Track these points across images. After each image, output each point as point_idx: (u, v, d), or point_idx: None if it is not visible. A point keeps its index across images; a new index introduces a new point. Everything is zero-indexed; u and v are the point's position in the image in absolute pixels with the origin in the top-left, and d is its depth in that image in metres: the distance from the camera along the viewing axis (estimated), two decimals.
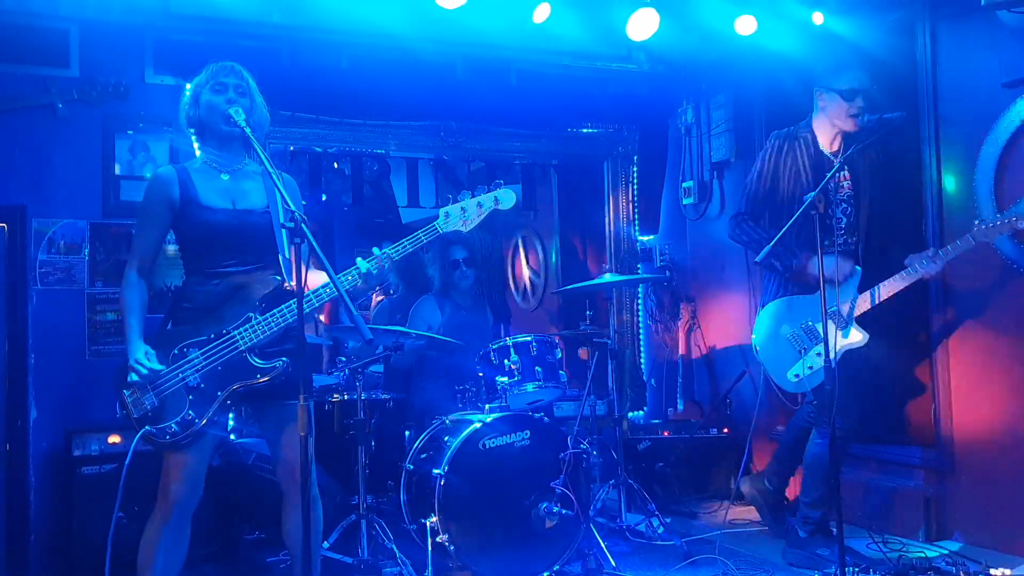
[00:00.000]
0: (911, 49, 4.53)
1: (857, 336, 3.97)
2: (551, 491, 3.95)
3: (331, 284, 2.74)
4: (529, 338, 4.37)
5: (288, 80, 4.87)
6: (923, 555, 4.04)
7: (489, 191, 3.12)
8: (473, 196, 3.11)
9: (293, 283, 2.63)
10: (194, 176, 3.00)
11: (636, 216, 6.24)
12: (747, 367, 5.62)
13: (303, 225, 2.54)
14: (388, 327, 4.46)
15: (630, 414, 5.95)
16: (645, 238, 6.27)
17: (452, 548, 3.74)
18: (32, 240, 4.52)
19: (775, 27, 4.97)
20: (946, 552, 4.10)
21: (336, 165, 6.24)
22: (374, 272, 2.93)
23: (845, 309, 3.95)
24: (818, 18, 4.78)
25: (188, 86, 3.08)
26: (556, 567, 3.96)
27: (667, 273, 6.25)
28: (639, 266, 6.23)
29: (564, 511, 3.91)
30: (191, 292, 2.97)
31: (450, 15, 4.71)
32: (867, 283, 4.00)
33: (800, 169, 4.12)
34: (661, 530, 4.52)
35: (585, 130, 6.08)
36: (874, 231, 4.20)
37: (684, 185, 6.19)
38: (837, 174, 3.99)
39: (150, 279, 3.01)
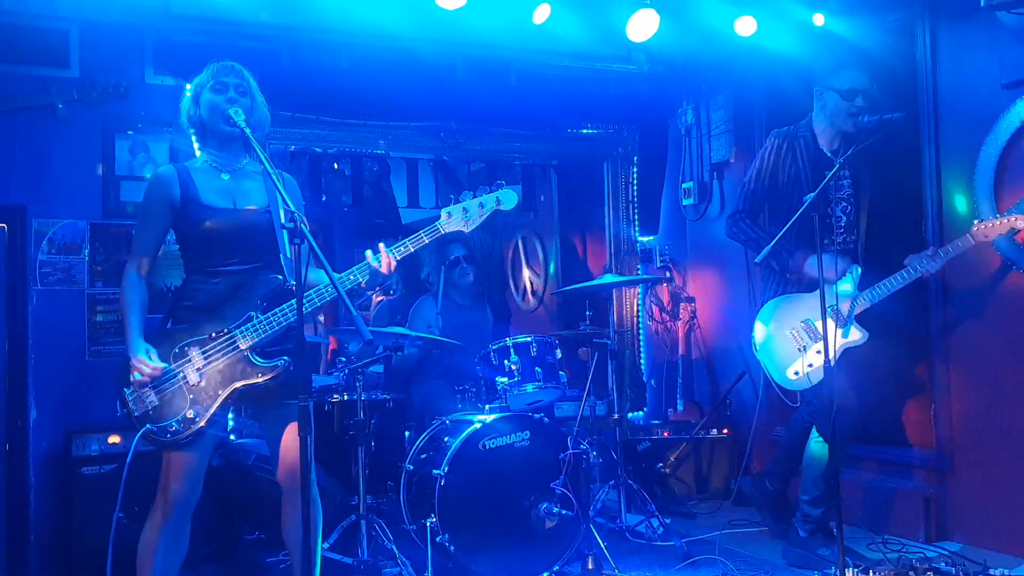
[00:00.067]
0: (911, 49, 4.54)
1: (856, 335, 3.97)
2: (551, 491, 3.95)
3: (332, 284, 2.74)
4: (529, 338, 4.38)
5: (288, 80, 4.87)
6: (923, 555, 4.04)
7: (491, 191, 3.12)
8: (475, 196, 3.11)
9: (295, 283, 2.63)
10: (195, 175, 3.00)
11: (636, 216, 6.24)
12: (747, 368, 5.62)
13: (303, 226, 2.54)
14: (388, 329, 4.45)
15: (630, 415, 5.95)
16: (645, 238, 6.27)
17: (452, 548, 3.74)
18: (32, 240, 4.52)
19: (775, 28, 4.97)
20: (946, 552, 4.10)
21: (336, 166, 6.24)
22: (381, 268, 2.93)
23: (845, 308, 3.95)
24: (819, 19, 4.78)
25: (188, 86, 3.08)
26: (556, 567, 3.96)
27: (667, 274, 6.26)
28: (639, 266, 6.23)
29: (564, 512, 3.91)
30: (191, 291, 2.97)
31: (450, 15, 4.71)
32: (867, 282, 4.00)
33: (800, 169, 4.12)
34: (661, 531, 4.52)
35: (585, 131, 6.08)
36: (874, 230, 4.21)
37: (684, 186, 6.20)
38: (837, 174, 3.99)
39: (150, 279, 3.01)
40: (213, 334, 2.88)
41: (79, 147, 4.63)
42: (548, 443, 4.06)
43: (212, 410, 2.85)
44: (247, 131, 2.87)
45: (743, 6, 4.95)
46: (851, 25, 4.74)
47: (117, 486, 2.87)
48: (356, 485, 4.00)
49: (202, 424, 2.83)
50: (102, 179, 4.67)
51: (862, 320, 3.99)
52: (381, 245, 2.97)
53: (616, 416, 5.18)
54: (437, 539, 3.75)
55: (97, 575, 3.01)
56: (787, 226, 3.69)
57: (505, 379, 4.26)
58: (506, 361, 4.28)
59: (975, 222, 3.89)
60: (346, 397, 4.65)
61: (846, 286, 3.98)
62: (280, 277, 2.95)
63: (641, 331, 6.27)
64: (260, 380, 2.87)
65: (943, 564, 3.79)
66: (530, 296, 8.02)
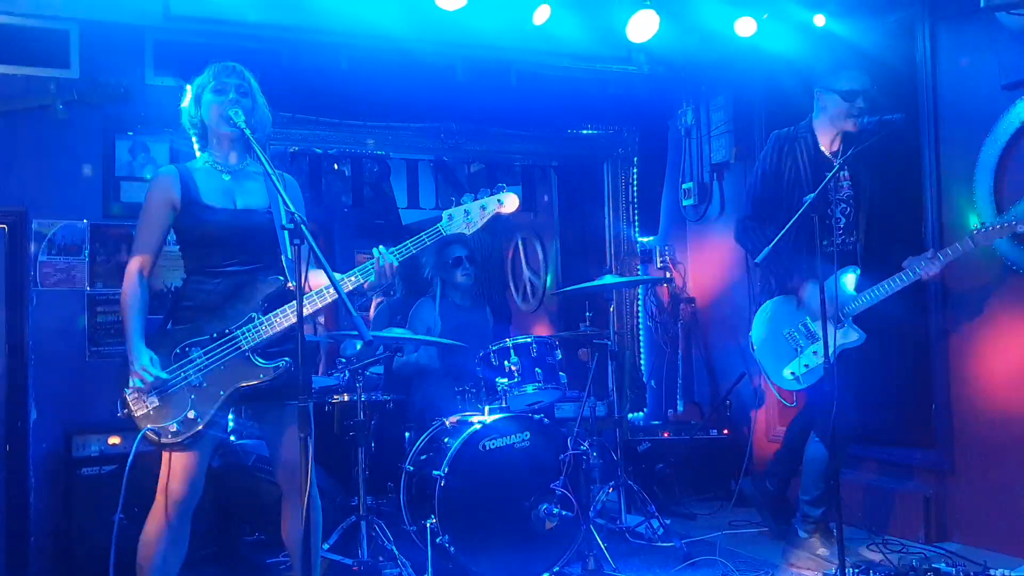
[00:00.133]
0: (911, 50, 4.54)
1: (853, 336, 3.98)
2: (551, 492, 3.95)
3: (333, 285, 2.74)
4: (529, 339, 4.38)
5: (288, 81, 4.87)
6: (923, 555, 4.03)
7: (492, 194, 3.12)
8: (475, 199, 3.11)
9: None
10: (196, 176, 3.00)
11: (636, 217, 6.24)
12: (747, 368, 5.63)
13: (303, 227, 2.54)
14: (387, 332, 4.45)
15: (630, 415, 5.95)
16: (645, 239, 6.27)
17: (452, 549, 3.74)
18: (32, 241, 4.53)
19: (775, 28, 4.98)
20: (946, 553, 4.10)
21: (336, 166, 6.24)
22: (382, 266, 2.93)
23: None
24: (820, 20, 4.79)
25: (189, 87, 3.08)
26: (556, 568, 3.96)
27: (667, 274, 6.26)
28: (639, 267, 6.23)
29: (564, 512, 3.91)
30: (192, 291, 2.97)
31: (450, 16, 4.72)
32: (866, 283, 4.00)
33: (800, 170, 4.12)
34: (661, 531, 4.52)
35: (585, 131, 6.08)
36: (874, 231, 4.21)
37: (684, 186, 6.20)
38: (837, 174, 4.00)
39: (152, 279, 3.01)
40: (215, 335, 2.88)
41: (79, 148, 4.63)
42: (548, 444, 4.06)
43: (213, 411, 2.84)
44: (247, 132, 2.87)
45: (743, 7, 4.95)
46: (851, 26, 4.75)
47: (117, 487, 2.87)
48: (356, 486, 3.99)
49: (203, 425, 2.83)
50: (102, 180, 4.67)
51: (862, 321, 3.99)
52: (380, 248, 2.97)
53: (616, 417, 5.18)
54: (437, 540, 3.75)
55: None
56: (786, 227, 3.69)
57: (505, 380, 4.26)
58: (506, 362, 4.28)
59: (975, 226, 3.89)
60: (346, 398, 4.65)
61: (850, 277, 3.98)
62: (281, 278, 2.95)
63: (641, 332, 6.27)
64: (262, 381, 2.87)
65: (943, 564, 3.79)
66: (530, 297, 8.03)
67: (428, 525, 3.76)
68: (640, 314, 6.27)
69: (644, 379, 6.25)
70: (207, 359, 2.85)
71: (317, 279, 2.93)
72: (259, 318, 2.88)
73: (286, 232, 2.61)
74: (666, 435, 5.73)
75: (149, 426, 2.82)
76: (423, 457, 4.07)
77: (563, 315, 7.21)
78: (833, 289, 3.72)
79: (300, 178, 4.42)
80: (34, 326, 4.50)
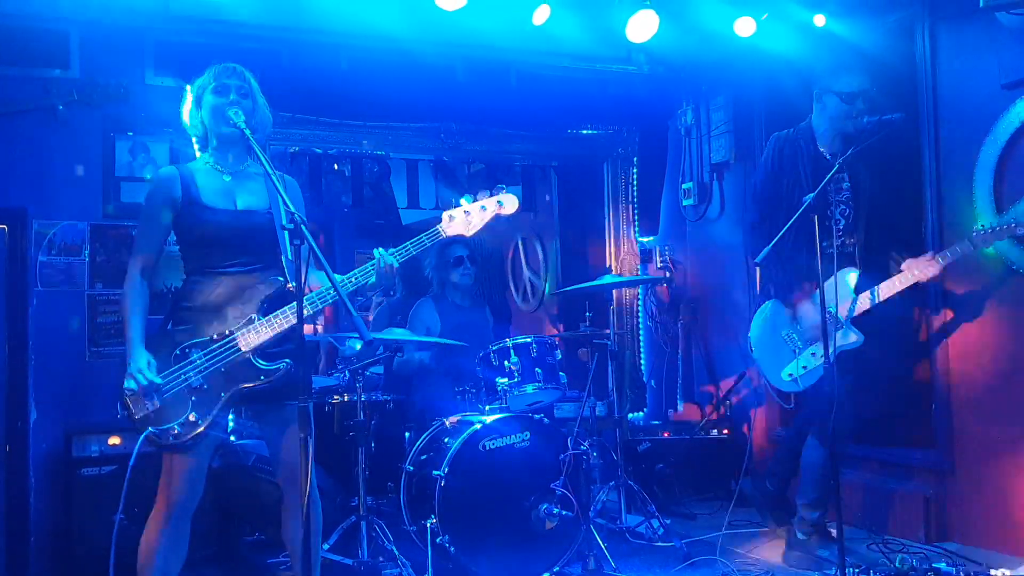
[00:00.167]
0: (910, 50, 4.54)
1: (852, 337, 3.98)
2: (551, 492, 3.96)
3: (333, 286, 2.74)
4: (529, 339, 4.38)
5: (288, 82, 4.87)
6: (923, 555, 4.04)
7: (492, 195, 3.12)
8: (475, 199, 3.11)
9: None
10: (196, 176, 2.99)
11: (636, 217, 6.24)
12: (747, 369, 5.63)
13: (303, 227, 2.54)
14: (389, 333, 4.46)
15: (630, 415, 5.95)
16: (645, 239, 6.28)
17: (452, 549, 3.74)
18: (33, 242, 4.53)
19: (774, 28, 4.98)
20: (946, 553, 4.10)
21: (336, 167, 6.24)
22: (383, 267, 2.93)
23: (843, 311, 3.96)
24: (820, 20, 4.79)
25: (190, 88, 3.08)
26: (556, 568, 3.96)
27: (667, 274, 6.26)
28: (639, 267, 6.23)
29: (564, 512, 3.92)
30: (192, 292, 2.96)
31: (450, 16, 4.72)
32: (866, 284, 4.00)
33: (800, 171, 4.12)
34: (661, 531, 4.53)
35: (585, 131, 6.09)
36: (873, 232, 4.21)
37: (684, 186, 6.20)
38: (836, 176, 3.99)
39: (152, 280, 3.01)
40: (215, 336, 2.88)
41: (79, 148, 4.63)
42: (548, 444, 4.06)
43: (214, 413, 2.84)
44: (248, 133, 2.86)
45: (743, 7, 4.95)
46: (851, 26, 4.75)
47: (117, 487, 2.87)
48: (356, 486, 4.00)
49: (204, 427, 2.82)
50: (102, 180, 4.67)
51: (862, 322, 3.99)
52: (380, 250, 2.97)
53: (616, 417, 5.18)
54: (437, 540, 3.75)
55: None
56: (786, 227, 3.69)
57: (505, 380, 4.26)
58: (506, 362, 4.29)
59: (975, 227, 3.90)
60: (346, 398, 4.65)
61: (852, 276, 3.98)
62: (281, 279, 2.95)
63: (641, 332, 6.27)
64: (262, 382, 2.87)
65: (943, 564, 3.79)
66: (530, 297, 8.03)
67: (428, 525, 3.76)
68: (640, 314, 6.27)
69: (644, 379, 6.25)
70: (207, 361, 2.85)
71: (317, 280, 2.94)
72: (259, 319, 2.88)
73: (286, 233, 2.61)
74: (666, 435, 5.73)
75: (150, 428, 2.82)
76: (423, 457, 4.07)
77: (563, 315, 7.22)
78: (833, 302, 3.72)
79: (300, 178, 4.43)
80: (34, 327, 4.50)
